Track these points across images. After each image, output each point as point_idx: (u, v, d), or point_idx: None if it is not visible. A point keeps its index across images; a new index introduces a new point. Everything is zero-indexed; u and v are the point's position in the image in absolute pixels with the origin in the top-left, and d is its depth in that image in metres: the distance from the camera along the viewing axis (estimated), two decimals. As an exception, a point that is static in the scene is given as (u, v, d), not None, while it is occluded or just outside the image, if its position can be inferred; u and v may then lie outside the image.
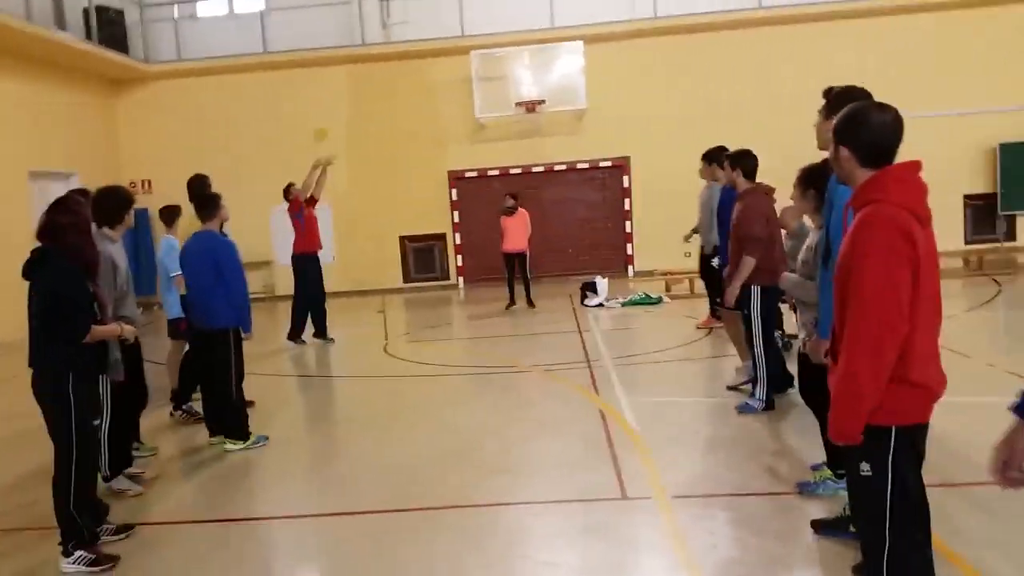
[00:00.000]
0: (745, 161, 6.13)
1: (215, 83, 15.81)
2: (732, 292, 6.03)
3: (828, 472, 4.43)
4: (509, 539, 4.15)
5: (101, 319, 4.04)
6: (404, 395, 7.66)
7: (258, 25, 15.77)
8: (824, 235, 3.65)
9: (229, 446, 5.74)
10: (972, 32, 14.63)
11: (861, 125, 2.60)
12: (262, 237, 15.68)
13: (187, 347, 6.59)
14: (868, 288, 2.44)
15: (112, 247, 4.79)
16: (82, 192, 5.32)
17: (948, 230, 14.62)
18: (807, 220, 4.93)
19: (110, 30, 14.74)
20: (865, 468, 2.60)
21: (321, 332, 10.41)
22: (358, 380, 8.62)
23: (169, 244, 6.65)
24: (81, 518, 3.91)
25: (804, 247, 4.44)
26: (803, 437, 5.43)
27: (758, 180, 6.27)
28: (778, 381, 6.32)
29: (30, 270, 3.92)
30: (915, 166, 2.59)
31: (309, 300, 10.34)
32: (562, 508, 4.53)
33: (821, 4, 14.66)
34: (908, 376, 2.51)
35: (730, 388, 6.81)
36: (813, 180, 4.24)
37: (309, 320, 10.38)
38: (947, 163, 14.39)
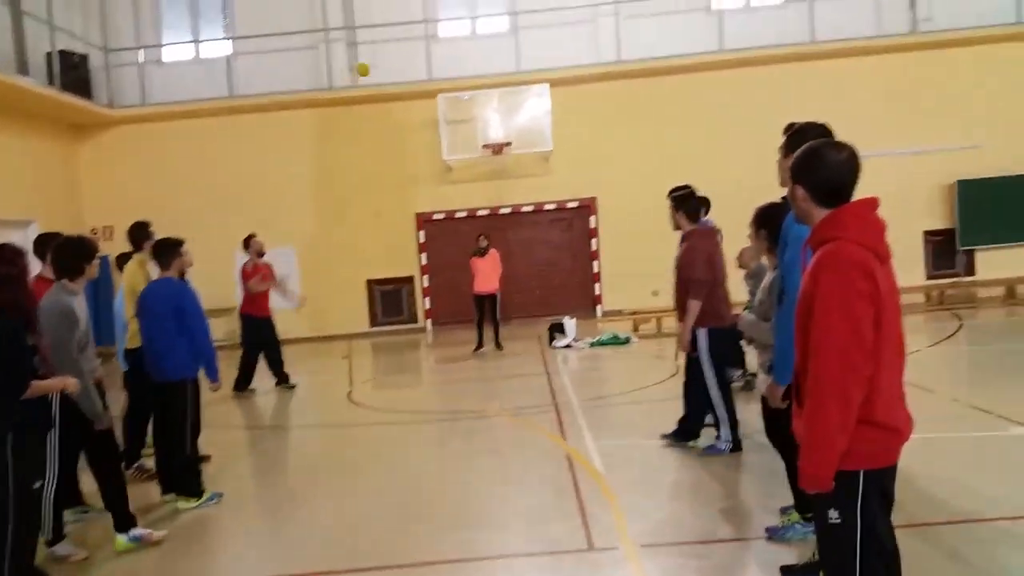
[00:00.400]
0: (688, 202, 6.06)
1: (180, 128, 15.68)
2: (684, 336, 5.98)
3: (796, 516, 4.36)
4: (471, 597, 4.00)
5: (43, 373, 3.89)
6: (366, 444, 7.47)
7: (224, 70, 15.75)
8: (778, 275, 3.62)
9: (181, 504, 5.52)
10: (930, 72, 15.01)
11: (817, 164, 2.57)
12: (226, 283, 15.44)
13: (128, 401, 6.40)
14: (831, 328, 2.40)
15: (73, 300, 4.62)
16: (53, 234, 5.25)
17: (909, 265, 14.86)
18: (765, 260, 4.93)
19: (73, 75, 14.59)
20: (833, 515, 2.53)
21: (281, 379, 10.29)
22: (319, 429, 8.43)
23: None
24: None
25: (760, 287, 4.41)
26: (771, 479, 5.35)
27: (707, 219, 6.28)
28: (693, 430, 6.25)
29: None
30: (872, 203, 2.56)
31: (255, 356, 10.26)
32: (527, 562, 4.39)
33: (783, 47, 14.97)
34: (874, 418, 2.45)
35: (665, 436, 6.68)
36: (765, 220, 4.23)
37: (267, 371, 10.29)
38: (906, 200, 14.66)
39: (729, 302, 6.06)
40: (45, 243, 5.33)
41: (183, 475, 5.57)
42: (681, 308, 5.96)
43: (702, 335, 5.89)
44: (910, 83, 15.02)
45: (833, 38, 14.92)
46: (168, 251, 5.71)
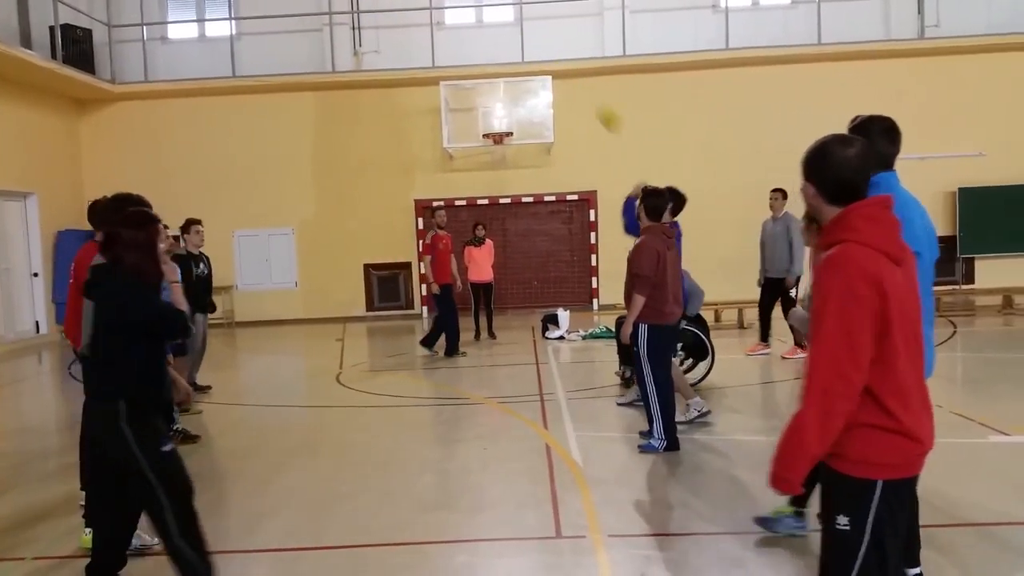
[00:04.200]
0: (651, 199, 6.07)
1: (182, 106, 15.71)
2: (626, 329, 6.02)
3: (788, 508, 4.31)
4: (433, 579, 4.01)
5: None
6: (347, 426, 7.49)
7: (228, 50, 15.74)
8: None
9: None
10: (936, 79, 14.96)
11: (824, 160, 2.45)
12: (224, 262, 15.46)
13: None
14: (825, 334, 2.29)
15: None
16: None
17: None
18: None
19: (77, 49, 14.62)
20: (843, 521, 2.41)
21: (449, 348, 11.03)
22: (303, 410, 8.45)
23: None
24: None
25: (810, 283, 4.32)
26: (748, 476, 5.38)
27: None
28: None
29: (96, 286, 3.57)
30: (885, 201, 2.44)
31: (444, 320, 11.06)
32: (492, 547, 4.40)
33: (789, 47, 14.93)
34: (902, 426, 2.35)
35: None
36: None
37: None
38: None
39: (679, 301, 6.10)
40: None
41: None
42: (628, 301, 6.01)
43: (643, 330, 5.92)
44: (915, 89, 14.95)
45: (839, 41, 14.86)
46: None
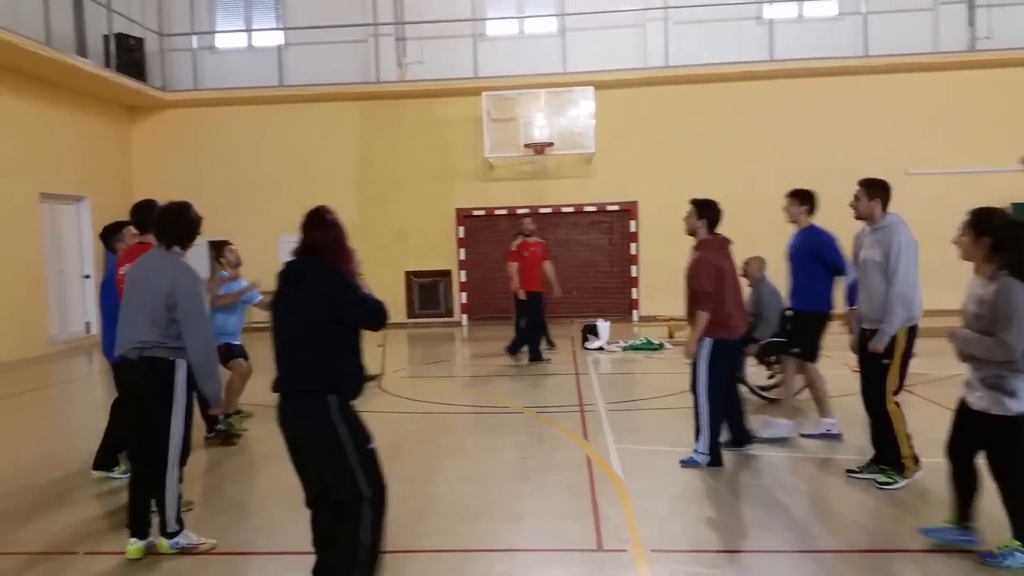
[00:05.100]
0: (710, 210, 5.96)
1: (230, 113, 16.01)
2: (690, 346, 5.91)
3: (1016, 542, 3.94)
4: (475, 587, 4.01)
5: None
6: (387, 433, 7.45)
7: (275, 59, 16.02)
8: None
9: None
10: (987, 91, 14.64)
11: None
12: (268, 268, 15.69)
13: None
14: None
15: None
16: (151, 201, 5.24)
17: (957, 287, 14.48)
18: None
19: (129, 58, 15.01)
20: None
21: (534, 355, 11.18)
22: (347, 415, 8.51)
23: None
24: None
25: (974, 300, 4.01)
26: (792, 495, 5.30)
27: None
28: (742, 436, 6.28)
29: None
30: None
31: (529, 327, 11.16)
32: (533, 557, 4.39)
33: (835, 59, 14.72)
34: None
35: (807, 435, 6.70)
36: (986, 227, 3.92)
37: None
38: (957, 221, 14.27)
39: (743, 313, 6.00)
40: (143, 211, 5.31)
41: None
42: (691, 317, 5.90)
43: (706, 344, 5.81)
44: (966, 101, 14.66)
45: (887, 53, 14.62)
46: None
